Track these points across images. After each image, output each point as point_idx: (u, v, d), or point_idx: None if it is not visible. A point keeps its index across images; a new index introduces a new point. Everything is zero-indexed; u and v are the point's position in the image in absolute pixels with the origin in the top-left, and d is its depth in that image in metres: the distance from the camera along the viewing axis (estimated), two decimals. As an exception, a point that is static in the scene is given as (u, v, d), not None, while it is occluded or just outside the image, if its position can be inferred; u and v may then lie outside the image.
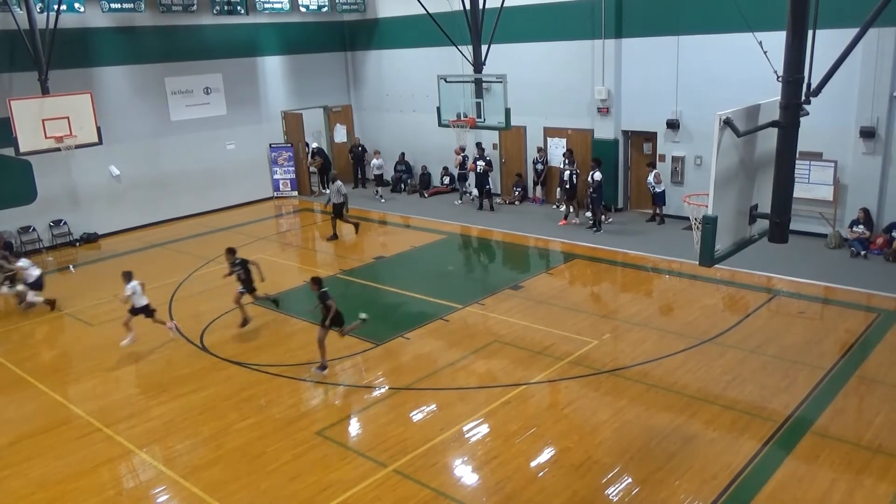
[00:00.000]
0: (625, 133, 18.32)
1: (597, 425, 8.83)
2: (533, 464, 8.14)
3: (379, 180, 22.95)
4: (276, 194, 23.14)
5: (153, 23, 19.65)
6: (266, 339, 12.13)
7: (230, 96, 21.69)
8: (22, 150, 15.89)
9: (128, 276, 11.82)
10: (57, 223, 18.75)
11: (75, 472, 8.44)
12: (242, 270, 12.42)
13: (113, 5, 18.38)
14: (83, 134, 16.46)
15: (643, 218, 17.88)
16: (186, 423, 9.47)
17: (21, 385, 10.90)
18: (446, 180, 22.33)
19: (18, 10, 16.31)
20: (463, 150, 20.30)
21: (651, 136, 17.88)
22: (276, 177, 23.10)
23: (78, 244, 19.00)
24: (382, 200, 21.69)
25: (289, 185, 23.16)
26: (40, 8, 16.49)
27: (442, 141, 20.06)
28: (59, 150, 16.31)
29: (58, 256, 18.17)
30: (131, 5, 18.62)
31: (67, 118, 16.19)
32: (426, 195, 22.10)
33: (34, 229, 18.37)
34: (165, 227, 20.29)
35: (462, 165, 20.78)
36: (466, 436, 8.78)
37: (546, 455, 8.30)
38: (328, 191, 19.53)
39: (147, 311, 11.94)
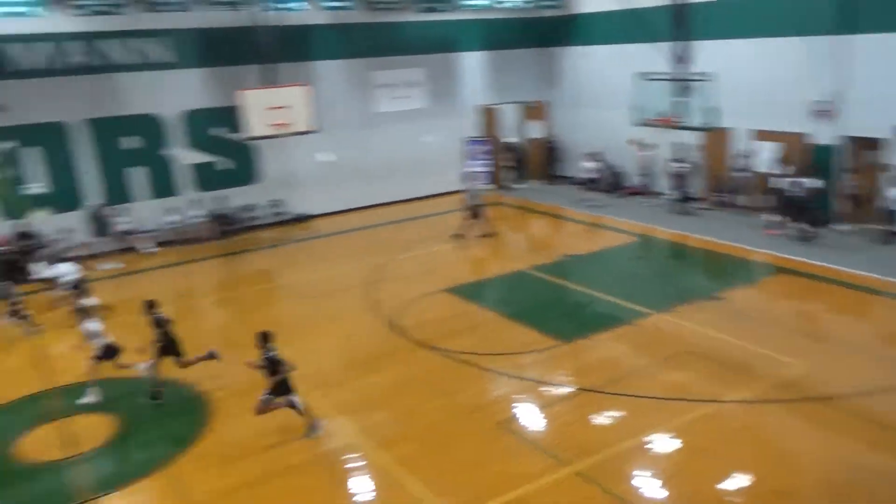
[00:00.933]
0: (848, 139, 16.65)
1: (797, 454, 8.20)
2: (723, 485, 7.74)
3: (589, 183, 22.58)
4: (471, 186, 23.73)
5: (363, 20, 20.97)
6: (458, 326, 12.51)
7: (430, 90, 22.59)
8: (250, 135, 17.64)
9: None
10: (276, 203, 20.64)
11: (281, 428, 9.24)
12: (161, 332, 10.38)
13: (329, 3, 19.91)
14: (301, 122, 17.92)
15: (865, 232, 16.10)
16: (381, 398, 10.07)
17: (240, 346, 12.03)
18: (642, 180, 21.67)
19: (248, 8, 18.13)
20: (643, 146, 19.42)
21: (877, 143, 16.08)
22: (472, 169, 23.67)
23: (292, 223, 20.78)
24: (594, 205, 20.91)
25: (485, 178, 23.61)
26: (266, 7, 18.24)
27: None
28: (280, 136, 17.97)
29: (274, 234, 20.00)
30: (345, 3, 20.06)
31: (287, 108, 17.68)
32: (622, 194, 21.60)
33: (256, 207, 20.35)
34: (368, 212, 21.60)
35: (650, 164, 19.98)
36: (652, 446, 8.54)
37: (739, 479, 7.85)
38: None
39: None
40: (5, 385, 11.14)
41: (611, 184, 22.18)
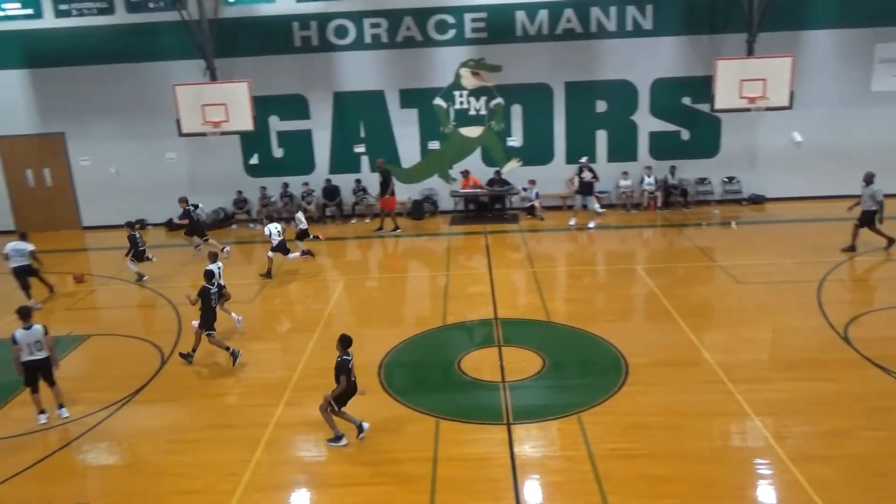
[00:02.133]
0: None
1: None
2: None
3: None
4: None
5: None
6: None
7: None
8: (718, 106, 17.01)
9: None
10: (730, 180, 19.69)
11: (691, 412, 8.99)
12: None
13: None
14: (777, 97, 16.58)
15: None
16: (808, 408, 9.01)
17: (666, 318, 12.09)
18: None
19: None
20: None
21: None
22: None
23: (744, 203, 19.64)
24: None
25: None
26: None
27: None
28: (749, 110, 16.94)
29: (724, 211, 19.19)
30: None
31: (763, 80, 16.51)
32: None
33: (709, 182, 19.72)
34: (835, 202, 19.09)
35: None
36: None
37: None
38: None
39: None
40: (467, 306, 13.07)
41: None
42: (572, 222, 18.11)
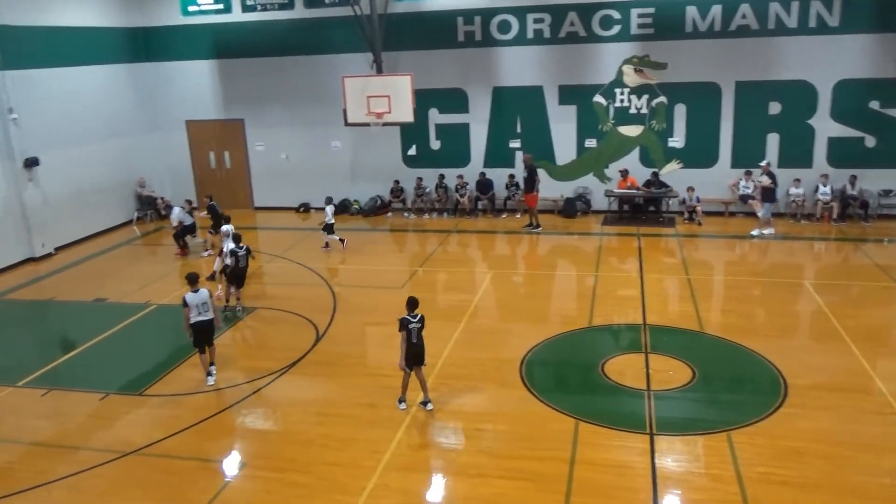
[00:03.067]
0: None
1: None
2: None
3: None
4: None
5: None
6: None
7: None
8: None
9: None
10: (919, 192, 17.83)
11: (858, 443, 8.27)
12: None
13: None
14: None
15: None
16: None
17: (835, 339, 11.16)
18: None
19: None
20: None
21: None
22: None
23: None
24: None
25: None
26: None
27: None
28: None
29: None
30: None
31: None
32: None
33: (893, 194, 17.96)
34: None
35: None
36: None
37: None
38: None
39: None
40: (615, 309, 12.79)
41: None
42: (755, 233, 17.07)
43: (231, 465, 8.61)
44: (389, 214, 20.79)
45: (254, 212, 22.03)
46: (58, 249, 18.09)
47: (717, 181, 18.69)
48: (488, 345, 11.52)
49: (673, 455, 8.24)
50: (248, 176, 22.16)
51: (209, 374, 10.53)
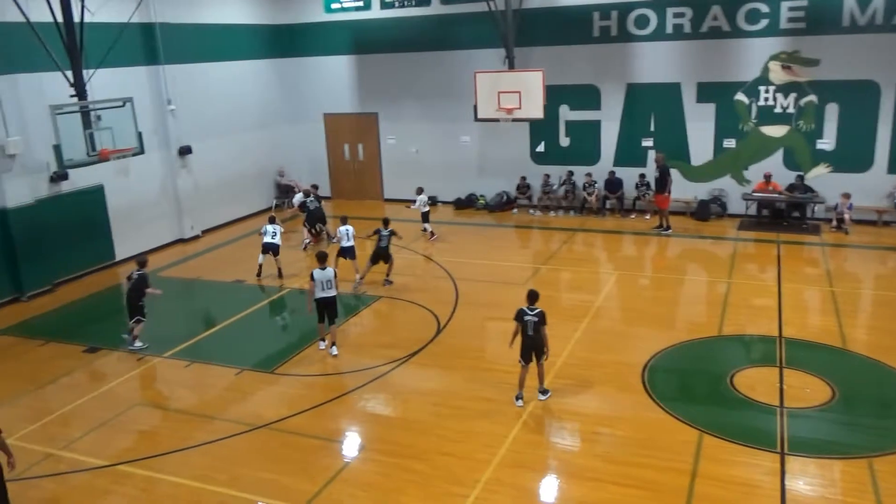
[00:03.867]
0: None
1: None
2: None
3: None
4: None
5: None
6: None
7: None
8: None
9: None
10: None
11: None
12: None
13: None
14: None
15: None
16: None
17: None
18: None
19: None
20: None
21: None
22: None
23: None
24: None
25: None
26: None
27: None
28: None
29: None
30: None
31: None
32: None
33: None
34: None
35: None
36: None
37: None
38: None
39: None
40: (748, 319, 12.16)
41: None
42: None
43: (351, 446, 8.96)
44: (515, 211, 20.74)
45: (383, 203, 22.65)
46: (204, 232, 19.47)
47: (870, 187, 17.28)
48: (610, 347, 11.28)
49: (806, 477, 7.74)
50: (380, 168, 22.82)
51: (327, 345, 11.36)
